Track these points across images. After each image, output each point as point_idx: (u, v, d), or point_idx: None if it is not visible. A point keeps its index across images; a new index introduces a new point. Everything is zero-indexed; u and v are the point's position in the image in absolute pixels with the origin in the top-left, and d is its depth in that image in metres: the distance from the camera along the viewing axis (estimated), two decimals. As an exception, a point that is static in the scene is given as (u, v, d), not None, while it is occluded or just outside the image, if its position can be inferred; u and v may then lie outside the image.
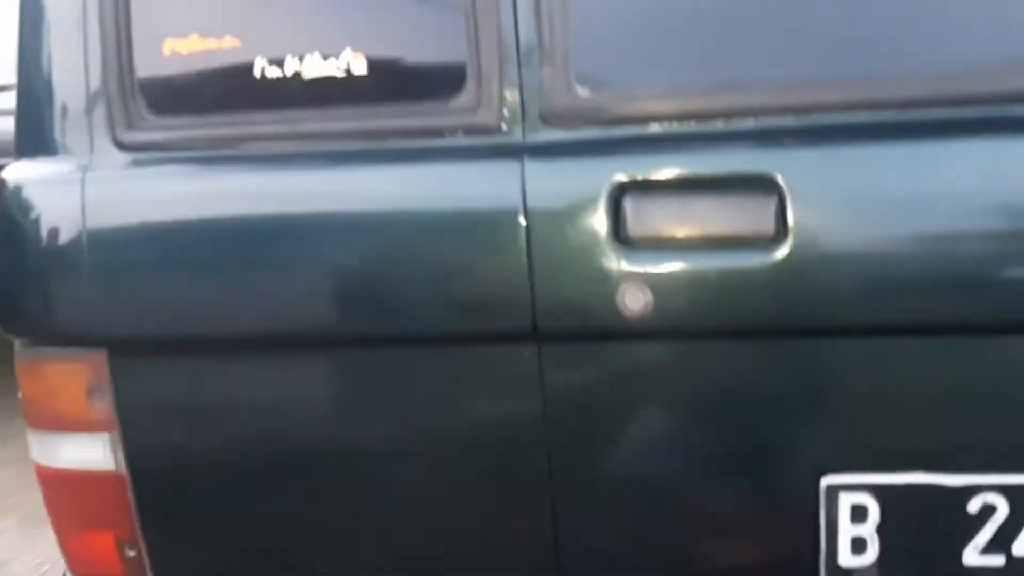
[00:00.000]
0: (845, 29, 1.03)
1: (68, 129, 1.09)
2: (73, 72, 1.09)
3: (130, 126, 1.09)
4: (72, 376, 1.10)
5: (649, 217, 1.03)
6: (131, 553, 1.15)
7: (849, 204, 1.01)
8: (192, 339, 1.11)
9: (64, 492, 1.16)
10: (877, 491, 1.06)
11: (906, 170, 1.01)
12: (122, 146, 1.10)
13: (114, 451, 1.12)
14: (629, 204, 1.03)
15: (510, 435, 1.11)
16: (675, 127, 1.06)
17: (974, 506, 1.04)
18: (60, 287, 1.09)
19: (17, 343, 1.14)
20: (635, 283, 1.02)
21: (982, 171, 1.00)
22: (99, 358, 1.09)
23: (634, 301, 1.02)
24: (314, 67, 1.08)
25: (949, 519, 1.05)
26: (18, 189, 1.09)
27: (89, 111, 1.09)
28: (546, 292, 1.04)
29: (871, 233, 1.01)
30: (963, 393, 1.04)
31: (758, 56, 1.05)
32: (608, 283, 1.02)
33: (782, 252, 1.00)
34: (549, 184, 1.04)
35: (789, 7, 1.05)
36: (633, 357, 1.08)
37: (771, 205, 1.00)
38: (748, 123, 1.04)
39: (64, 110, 1.10)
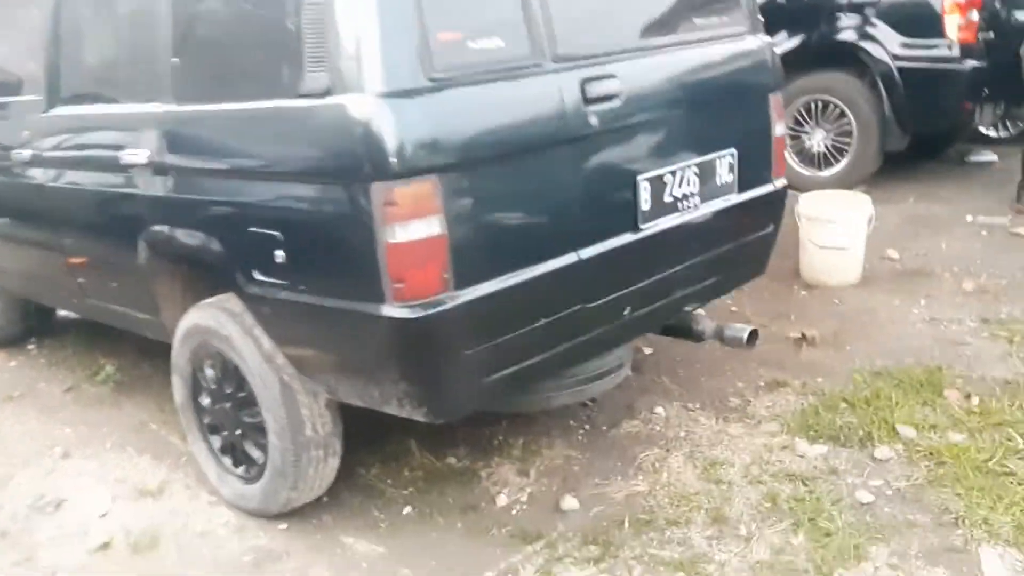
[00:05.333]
0: None
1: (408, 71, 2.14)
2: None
3: (428, 71, 2.15)
4: (428, 188, 2.13)
5: None
6: (445, 276, 2.18)
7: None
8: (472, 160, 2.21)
9: (416, 251, 2.13)
10: (650, 180, 2.63)
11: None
12: (430, 80, 2.15)
13: (440, 224, 2.15)
14: None
15: None
16: None
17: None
18: (416, 145, 2.12)
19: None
20: None
21: None
22: (435, 178, 2.13)
23: None
24: None
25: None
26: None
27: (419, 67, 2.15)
28: None
29: None
30: None
31: None
32: None
33: None
34: None
35: None
36: None
37: None
38: None
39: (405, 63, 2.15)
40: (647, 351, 3.76)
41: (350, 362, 2.45)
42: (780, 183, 3.11)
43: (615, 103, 2.50)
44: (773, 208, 3.13)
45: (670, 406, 3.34)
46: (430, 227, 2.13)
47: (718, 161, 2.83)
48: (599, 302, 2.57)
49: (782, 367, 3.59)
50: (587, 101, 2.42)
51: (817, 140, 5.77)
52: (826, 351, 3.75)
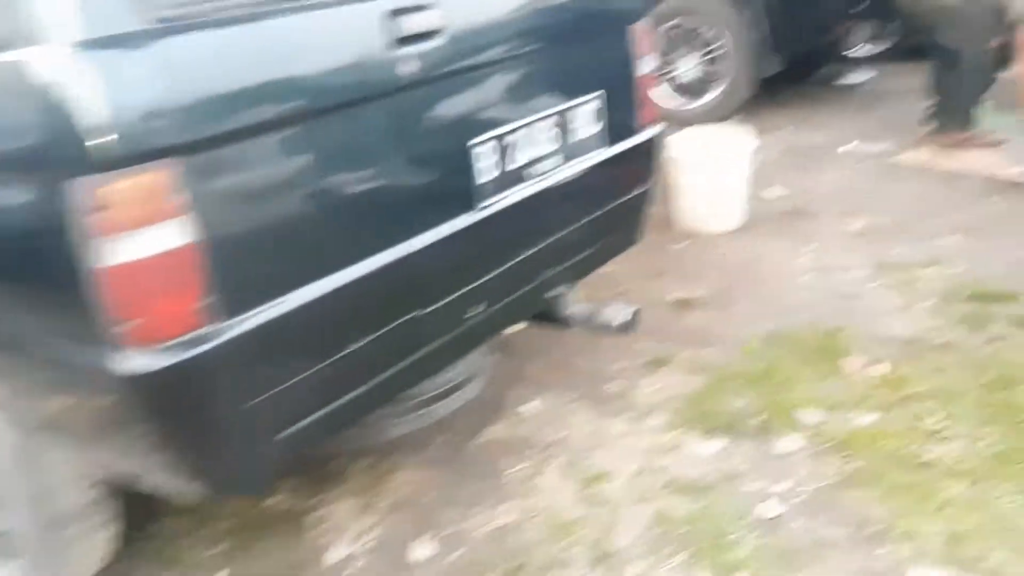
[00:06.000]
0: None
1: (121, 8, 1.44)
2: None
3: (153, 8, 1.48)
4: (163, 179, 1.45)
5: None
6: (203, 303, 1.53)
7: None
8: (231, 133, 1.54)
9: (150, 273, 1.46)
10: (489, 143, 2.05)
11: None
12: (159, 20, 1.48)
13: (187, 230, 1.49)
14: None
15: None
16: None
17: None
18: (138, 117, 1.43)
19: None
20: None
21: None
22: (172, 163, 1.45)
23: None
24: None
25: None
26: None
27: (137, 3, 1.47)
28: None
29: None
30: None
31: None
32: None
33: None
34: None
35: None
36: None
37: None
38: None
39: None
40: (516, 327, 3.23)
41: (86, 427, 1.78)
42: (652, 132, 2.57)
43: (437, 42, 1.88)
44: (645, 164, 2.59)
45: (543, 399, 2.82)
46: (171, 236, 1.48)
47: (574, 112, 2.26)
48: (435, 306, 1.99)
49: (665, 338, 3.12)
50: (398, 41, 1.80)
51: (688, 68, 5.30)
52: (711, 314, 3.31)
